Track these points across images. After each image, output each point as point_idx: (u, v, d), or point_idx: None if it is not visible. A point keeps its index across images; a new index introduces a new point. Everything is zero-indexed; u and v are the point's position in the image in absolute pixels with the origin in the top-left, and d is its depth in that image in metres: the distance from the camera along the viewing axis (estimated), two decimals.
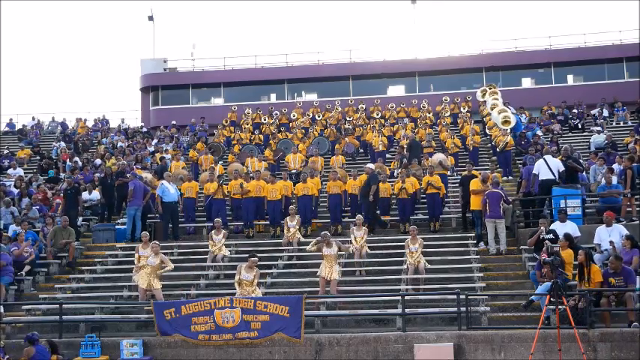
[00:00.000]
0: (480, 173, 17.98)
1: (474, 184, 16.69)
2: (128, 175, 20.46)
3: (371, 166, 19.60)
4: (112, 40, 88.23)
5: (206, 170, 22.01)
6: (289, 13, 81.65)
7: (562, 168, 16.73)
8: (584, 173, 18.30)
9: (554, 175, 16.54)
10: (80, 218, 19.88)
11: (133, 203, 18.55)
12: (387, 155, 24.52)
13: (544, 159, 16.90)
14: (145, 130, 35.11)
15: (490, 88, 28.27)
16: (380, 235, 18.14)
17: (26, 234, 16.97)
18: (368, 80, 37.65)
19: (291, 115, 31.34)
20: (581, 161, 18.34)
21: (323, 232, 14.69)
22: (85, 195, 20.48)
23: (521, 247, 15.81)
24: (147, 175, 20.87)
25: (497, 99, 25.97)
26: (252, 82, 38.71)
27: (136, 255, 15.10)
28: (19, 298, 15.74)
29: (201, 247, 17.58)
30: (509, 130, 22.96)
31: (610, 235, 14.04)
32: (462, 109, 29.39)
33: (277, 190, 18.67)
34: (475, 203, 16.58)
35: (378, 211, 18.30)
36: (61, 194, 21.00)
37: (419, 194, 18.94)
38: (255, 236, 18.80)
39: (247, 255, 13.82)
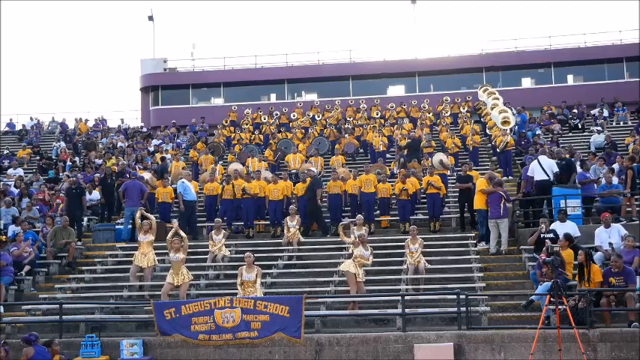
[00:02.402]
0: (479, 173, 17.95)
1: (481, 184, 16.64)
2: (128, 175, 20.47)
3: (313, 169, 19.57)
4: (112, 40, 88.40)
5: (206, 170, 22.04)
6: (289, 13, 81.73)
7: (556, 169, 16.74)
8: (587, 172, 18.27)
9: (548, 176, 16.56)
10: (85, 218, 19.88)
11: (128, 204, 18.60)
12: (387, 155, 24.52)
13: (537, 160, 16.92)
14: (145, 130, 35.10)
15: (488, 89, 28.27)
16: (380, 235, 18.15)
17: (26, 234, 16.96)
18: (368, 80, 37.67)
19: (291, 115, 31.34)
20: (576, 163, 18.31)
21: (359, 234, 14.57)
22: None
23: (521, 247, 15.81)
24: (146, 175, 20.89)
25: (497, 98, 25.96)
26: (252, 82, 38.74)
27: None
28: (19, 298, 15.74)
29: (201, 247, 17.58)
30: (509, 130, 22.96)
31: (609, 236, 14.06)
32: (462, 109, 29.40)
33: (279, 190, 18.67)
34: (480, 202, 16.55)
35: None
36: (62, 194, 21.00)
37: (419, 194, 18.94)
38: (255, 236, 18.79)
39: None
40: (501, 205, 15.95)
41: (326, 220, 19.12)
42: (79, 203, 19.14)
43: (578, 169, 17.96)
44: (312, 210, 18.24)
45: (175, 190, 20.55)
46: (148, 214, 15.87)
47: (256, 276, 13.44)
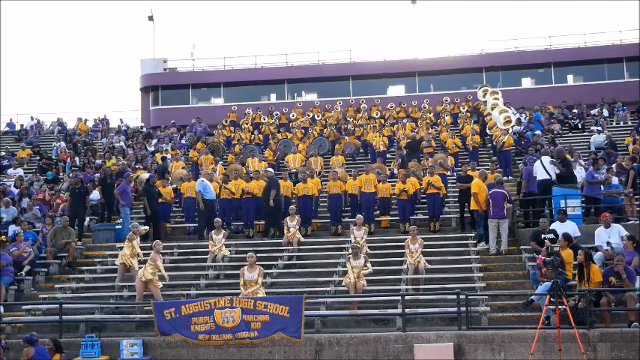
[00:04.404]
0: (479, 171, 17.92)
1: (475, 187, 16.62)
2: (126, 175, 20.52)
3: (270, 170, 19.55)
4: (112, 40, 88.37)
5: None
6: (289, 13, 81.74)
7: (558, 169, 16.72)
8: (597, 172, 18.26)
9: (550, 175, 16.56)
10: (87, 218, 19.88)
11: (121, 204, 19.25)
12: (387, 155, 24.51)
13: (540, 160, 16.93)
14: (145, 130, 35.08)
15: (487, 89, 28.24)
16: (380, 235, 18.15)
17: (26, 234, 16.95)
18: (368, 80, 37.67)
19: (291, 115, 31.34)
20: (576, 163, 18.33)
21: (352, 244, 14.66)
22: None
23: (521, 247, 15.80)
24: (143, 176, 20.93)
25: (498, 99, 25.93)
26: (252, 82, 38.74)
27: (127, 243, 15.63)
28: (19, 298, 15.74)
29: (201, 247, 17.58)
30: (509, 130, 22.96)
31: (609, 236, 14.06)
32: (461, 109, 29.41)
33: None
34: (480, 202, 16.51)
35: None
36: (62, 194, 21.00)
37: (419, 194, 18.94)
38: (255, 236, 18.78)
39: (246, 256, 13.88)
40: (505, 205, 15.97)
41: (326, 220, 19.15)
42: (82, 203, 19.16)
43: (589, 168, 17.96)
44: (268, 210, 18.29)
45: (175, 189, 20.62)
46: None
47: (258, 275, 13.46)
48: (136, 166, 23.61)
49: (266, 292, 14.00)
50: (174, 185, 20.76)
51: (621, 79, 35.59)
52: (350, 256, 14.23)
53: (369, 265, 14.29)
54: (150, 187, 18.96)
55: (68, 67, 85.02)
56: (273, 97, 38.74)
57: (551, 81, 36.66)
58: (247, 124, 30.18)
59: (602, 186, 17.20)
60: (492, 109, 24.82)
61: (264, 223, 18.70)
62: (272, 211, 18.16)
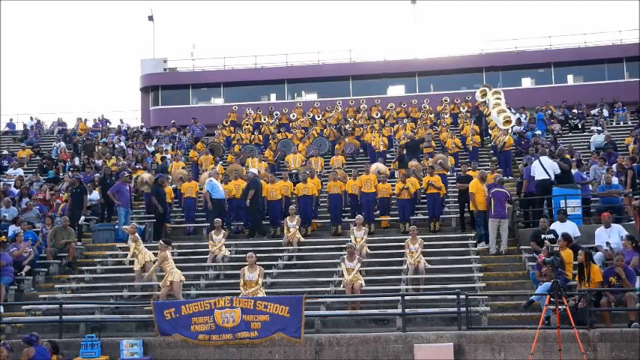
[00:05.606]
0: (479, 172, 17.93)
1: (473, 187, 16.63)
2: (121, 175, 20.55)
3: (254, 170, 19.61)
4: (112, 40, 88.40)
5: (206, 170, 22.05)
6: (289, 13, 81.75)
7: (558, 169, 16.73)
8: (584, 173, 18.31)
9: (549, 175, 16.57)
10: (83, 217, 19.86)
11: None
12: (387, 155, 24.51)
13: (539, 160, 16.94)
14: (145, 130, 35.09)
15: (487, 90, 28.24)
16: (380, 235, 18.15)
17: (26, 234, 16.95)
18: (368, 80, 37.71)
19: (291, 116, 31.34)
20: (570, 163, 18.38)
21: (348, 244, 14.67)
22: None
23: (521, 247, 15.80)
24: (144, 176, 20.91)
25: (500, 98, 25.92)
26: (252, 82, 38.78)
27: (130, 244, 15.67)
28: (19, 298, 15.73)
29: (201, 247, 17.58)
30: (509, 130, 22.96)
31: (609, 236, 14.06)
32: (461, 109, 29.42)
33: (277, 190, 18.67)
34: (477, 204, 16.52)
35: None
36: (61, 194, 20.99)
37: (419, 194, 18.94)
38: (255, 236, 18.78)
39: (245, 256, 13.88)
40: (506, 204, 15.97)
41: (326, 220, 19.15)
42: (80, 202, 19.14)
43: (575, 170, 17.95)
44: (249, 211, 18.36)
45: (175, 189, 20.63)
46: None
47: (258, 276, 13.46)
48: (136, 166, 23.63)
49: (266, 292, 14.00)
50: (174, 185, 20.76)
51: (621, 79, 35.62)
52: (345, 256, 14.19)
53: (357, 267, 14.12)
54: (159, 186, 19.04)
55: (68, 67, 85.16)
56: (273, 97, 38.78)
57: (551, 81, 36.68)
58: (248, 124, 30.18)
59: (590, 186, 17.23)
60: (493, 108, 24.83)
61: (246, 223, 18.77)
62: (252, 212, 18.20)
